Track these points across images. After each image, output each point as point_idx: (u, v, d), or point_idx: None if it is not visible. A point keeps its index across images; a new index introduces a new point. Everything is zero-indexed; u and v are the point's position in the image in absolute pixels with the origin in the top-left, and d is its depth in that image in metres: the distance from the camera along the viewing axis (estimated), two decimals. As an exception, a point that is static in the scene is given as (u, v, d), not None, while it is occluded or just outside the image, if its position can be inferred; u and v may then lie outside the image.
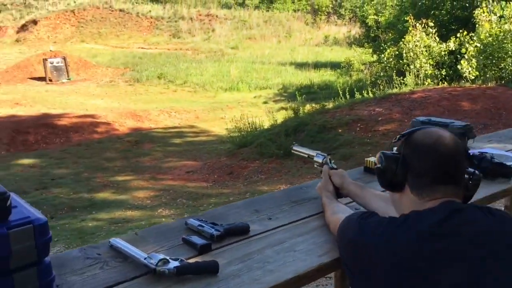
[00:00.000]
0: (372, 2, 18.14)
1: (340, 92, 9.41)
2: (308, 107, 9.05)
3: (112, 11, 36.61)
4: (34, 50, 26.66)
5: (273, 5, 43.87)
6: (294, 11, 43.71)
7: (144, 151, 8.52)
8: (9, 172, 7.54)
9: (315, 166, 1.80)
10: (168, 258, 1.26)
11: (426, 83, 9.51)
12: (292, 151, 1.98)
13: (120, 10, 36.61)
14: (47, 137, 10.33)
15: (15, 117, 11.76)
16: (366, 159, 2.09)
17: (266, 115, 8.75)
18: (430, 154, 1.17)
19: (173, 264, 1.24)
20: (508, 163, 2.05)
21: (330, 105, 8.70)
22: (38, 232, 1.09)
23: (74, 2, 39.07)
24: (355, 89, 9.50)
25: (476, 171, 1.27)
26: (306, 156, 1.87)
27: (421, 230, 1.08)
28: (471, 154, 2.05)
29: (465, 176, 1.23)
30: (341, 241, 1.27)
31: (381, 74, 12.36)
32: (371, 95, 9.12)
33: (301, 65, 19.65)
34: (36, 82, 17.81)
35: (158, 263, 1.24)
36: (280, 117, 9.01)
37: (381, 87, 10.06)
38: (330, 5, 42.80)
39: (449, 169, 1.16)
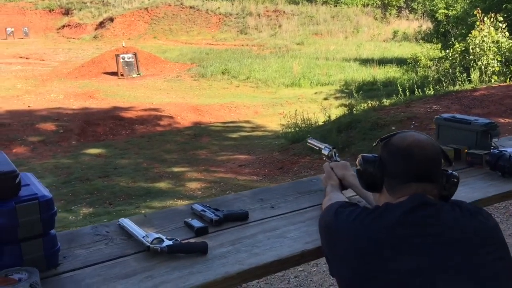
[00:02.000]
0: (443, -4, 17.45)
1: (400, 89, 9.18)
2: (364, 104, 8.91)
3: (183, 8, 37.67)
4: (109, 46, 27.97)
5: (341, 0, 43.24)
6: (363, 5, 42.77)
7: (201, 144, 8.80)
8: (77, 161, 8.07)
9: (324, 158, 1.87)
10: (163, 237, 1.37)
11: (493, 80, 9.05)
12: (307, 143, 2.07)
13: (191, 7, 37.58)
14: (114, 128, 10.92)
15: (87, 110, 12.52)
16: None
17: (321, 111, 8.74)
18: (404, 157, 1.21)
19: (166, 243, 1.35)
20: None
21: (387, 102, 8.54)
22: (43, 207, 1.24)
23: (148, 0, 40.64)
24: (415, 86, 9.21)
25: (454, 173, 1.28)
26: (317, 148, 1.94)
27: (388, 220, 1.12)
28: (494, 152, 2.02)
29: (443, 177, 1.24)
30: (320, 227, 1.33)
31: (450, 70, 11.89)
32: (432, 92, 8.83)
33: (366, 61, 19.29)
34: (109, 77, 18.75)
35: (153, 241, 1.36)
36: (338, 113, 8.95)
37: (445, 84, 9.68)
38: (401, -1, 41.53)
39: (422, 171, 1.20)
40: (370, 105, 8.64)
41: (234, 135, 9.56)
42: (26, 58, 25.62)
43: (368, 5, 43.45)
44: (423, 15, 35.96)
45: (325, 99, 13.40)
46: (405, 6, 43.45)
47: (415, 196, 1.15)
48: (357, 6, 42.16)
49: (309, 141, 2.04)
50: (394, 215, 1.13)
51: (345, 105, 9.63)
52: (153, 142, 9.27)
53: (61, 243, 1.33)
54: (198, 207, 1.62)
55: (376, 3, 42.37)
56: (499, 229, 1.18)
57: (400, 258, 1.07)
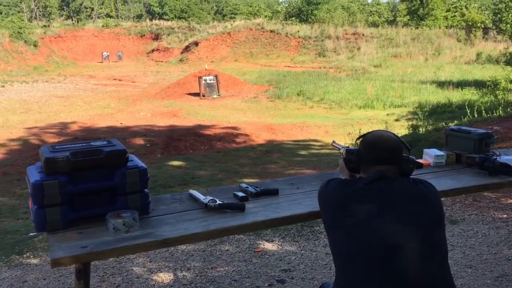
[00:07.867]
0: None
1: (468, 111, 9.30)
2: (432, 125, 9.14)
3: (263, 32, 38.98)
4: (194, 68, 29.73)
5: (422, 22, 42.60)
6: (446, 27, 41.90)
7: (272, 159, 9.47)
8: (161, 171, 9.04)
9: (342, 156, 2.45)
10: (216, 199, 2.04)
11: None
12: (332, 145, 2.66)
13: (271, 31, 38.80)
14: (194, 144, 11.93)
15: (171, 127, 13.72)
16: None
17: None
18: (371, 148, 1.79)
19: (218, 202, 2.02)
20: (517, 165, 2.43)
21: (453, 124, 8.73)
22: (141, 173, 1.95)
23: (231, 25, 42.58)
24: (482, 108, 9.29)
25: (412, 157, 1.82)
26: (338, 149, 2.52)
27: (357, 186, 1.70)
28: (481, 155, 2.49)
29: (403, 160, 1.79)
30: (318, 193, 1.92)
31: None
32: (502, 114, 8.89)
33: (443, 84, 19.12)
34: (191, 97, 20.14)
35: (209, 201, 2.03)
36: (402, 133, 9.24)
37: (515, 106, 9.68)
38: (487, 20, 40.16)
39: (384, 156, 1.76)
40: (435, 126, 8.88)
41: (303, 152, 10.14)
42: (120, 80, 28.02)
43: (451, 26, 42.47)
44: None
45: (397, 120, 13.60)
46: (493, 27, 41.93)
47: (376, 172, 1.72)
48: (439, 28, 41.39)
49: (333, 144, 2.63)
50: (361, 183, 1.71)
51: (412, 126, 9.90)
52: (228, 157, 10.08)
53: (150, 203, 2.03)
54: (244, 185, 2.27)
55: (461, 25, 41.32)
56: (436, 195, 1.71)
57: (360, 209, 1.64)
